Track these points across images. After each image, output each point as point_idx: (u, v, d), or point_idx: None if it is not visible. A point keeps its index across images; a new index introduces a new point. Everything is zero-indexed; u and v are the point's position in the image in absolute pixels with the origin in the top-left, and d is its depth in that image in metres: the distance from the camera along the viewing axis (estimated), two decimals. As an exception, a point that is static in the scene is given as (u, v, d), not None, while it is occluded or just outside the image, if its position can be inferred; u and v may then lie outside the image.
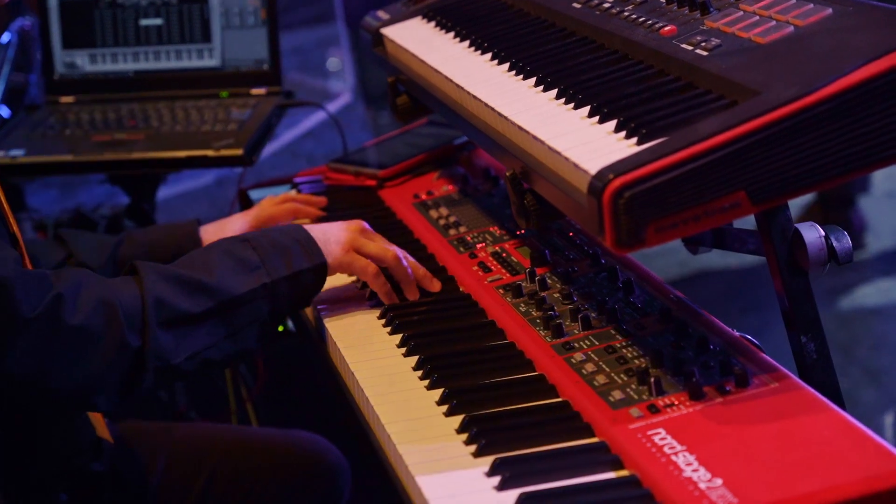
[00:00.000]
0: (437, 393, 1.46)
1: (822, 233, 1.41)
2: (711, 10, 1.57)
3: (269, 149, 4.39)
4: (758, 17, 1.48)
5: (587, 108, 1.47)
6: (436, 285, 1.78)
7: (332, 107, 4.85)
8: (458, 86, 1.77)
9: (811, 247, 1.40)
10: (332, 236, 1.75)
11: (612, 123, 1.39)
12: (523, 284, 1.69)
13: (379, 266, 1.75)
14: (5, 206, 1.76)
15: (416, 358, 1.56)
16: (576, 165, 1.33)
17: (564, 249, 1.79)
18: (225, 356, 1.64)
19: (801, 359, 1.43)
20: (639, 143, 1.32)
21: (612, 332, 1.51)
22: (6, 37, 3.72)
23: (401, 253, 1.77)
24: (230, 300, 1.62)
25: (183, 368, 1.58)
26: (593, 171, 1.27)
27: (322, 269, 1.71)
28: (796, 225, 1.43)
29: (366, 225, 1.81)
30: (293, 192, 2.24)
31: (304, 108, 4.34)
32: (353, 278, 1.84)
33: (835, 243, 1.41)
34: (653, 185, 1.22)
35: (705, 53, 1.45)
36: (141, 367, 1.53)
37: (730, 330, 1.47)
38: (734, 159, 1.23)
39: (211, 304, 1.61)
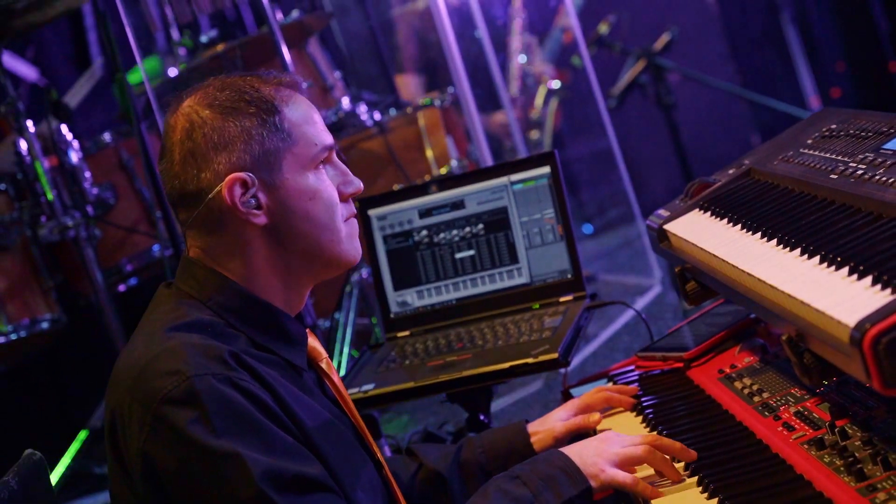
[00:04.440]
0: (755, 546, 1.59)
1: None
2: (952, 160, 1.70)
3: (590, 347, 4.61)
4: None
5: (846, 269, 1.61)
6: (691, 455, 1.91)
7: (644, 300, 5.03)
8: (734, 266, 1.94)
9: None
10: (588, 458, 1.91)
11: (869, 279, 1.53)
12: (825, 437, 1.80)
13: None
14: (368, 436, 2.04)
15: (732, 518, 1.69)
16: (839, 322, 1.47)
17: (863, 399, 1.89)
18: None
19: None
20: (892, 292, 1.45)
21: (912, 468, 1.60)
22: (348, 288, 4.19)
23: (652, 440, 1.92)
24: None
25: None
26: (852, 323, 1.42)
27: (588, 493, 1.87)
28: None
29: (612, 432, 1.98)
30: (609, 384, 2.44)
31: (618, 306, 4.57)
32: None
33: None
34: (906, 329, 1.35)
35: (948, 202, 1.58)
36: None
37: None
38: (977, 294, 1.34)
39: None
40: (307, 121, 1.93)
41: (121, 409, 1.80)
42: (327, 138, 1.95)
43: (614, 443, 1.95)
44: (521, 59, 6.38)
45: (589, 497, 1.88)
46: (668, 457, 1.92)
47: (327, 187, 1.93)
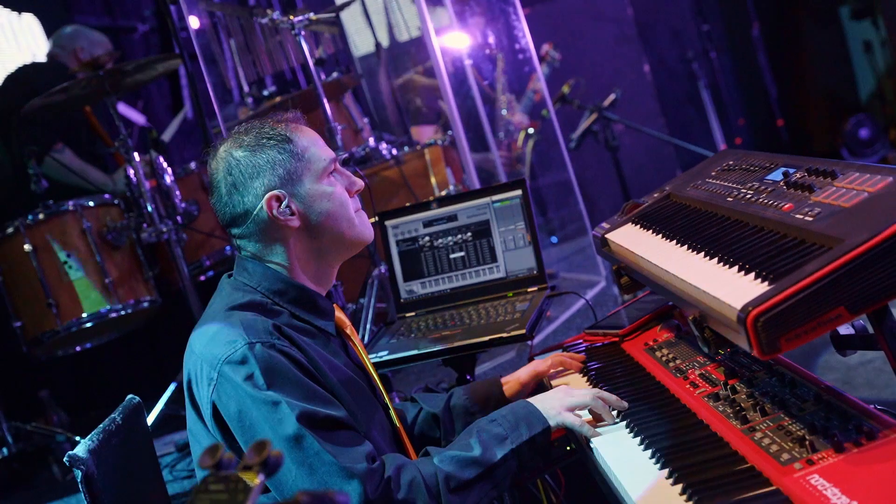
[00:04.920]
0: (666, 471, 1.60)
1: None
2: (815, 189, 1.71)
3: (552, 326, 4.60)
4: (844, 190, 1.61)
5: (736, 267, 1.63)
6: (623, 405, 1.91)
7: (593, 291, 5.03)
8: (655, 265, 1.96)
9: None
10: (548, 404, 1.91)
11: (752, 275, 1.55)
12: (721, 392, 1.82)
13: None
14: (380, 385, 2.05)
15: (650, 451, 1.71)
16: (729, 305, 1.49)
17: (748, 364, 1.91)
18: (490, 501, 1.82)
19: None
20: (769, 284, 1.47)
21: (782, 415, 1.62)
22: (370, 280, 4.20)
23: (595, 394, 1.92)
24: (492, 466, 1.81)
25: None
26: (739, 306, 1.43)
27: (547, 431, 1.88)
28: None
29: (566, 387, 1.98)
30: (563, 353, 2.45)
31: (572, 295, 4.57)
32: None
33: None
34: (778, 311, 1.38)
35: (811, 219, 1.59)
36: None
37: (865, 404, 1.54)
38: (830, 286, 1.36)
39: (480, 470, 1.79)
40: (313, 143, 1.94)
41: (195, 368, 1.82)
42: (331, 153, 1.96)
43: (567, 394, 1.96)
44: (504, 111, 6.40)
45: (548, 434, 1.89)
46: (606, 406, 1.94)
47: (338, 189, 1.94)
